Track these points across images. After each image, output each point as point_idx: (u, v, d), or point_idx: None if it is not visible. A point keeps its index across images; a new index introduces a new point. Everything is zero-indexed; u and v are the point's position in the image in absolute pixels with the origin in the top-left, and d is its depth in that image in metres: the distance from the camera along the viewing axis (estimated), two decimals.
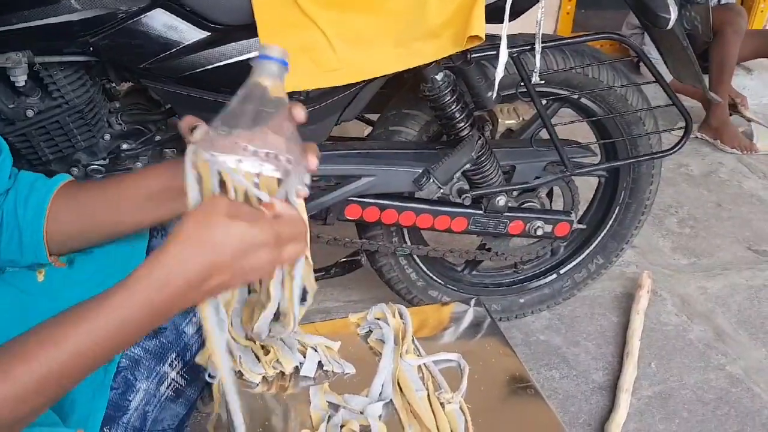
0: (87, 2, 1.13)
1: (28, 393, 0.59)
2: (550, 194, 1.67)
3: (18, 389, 0.58)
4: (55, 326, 0.61)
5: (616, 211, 1.78)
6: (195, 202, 0.68)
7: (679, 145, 1.54)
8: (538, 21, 1.32)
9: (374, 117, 1.62)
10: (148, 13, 1.17)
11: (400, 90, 1.52)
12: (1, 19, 1.11)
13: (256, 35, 1.19)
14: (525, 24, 1.37)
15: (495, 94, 1.36)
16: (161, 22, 1.18)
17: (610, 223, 1.80)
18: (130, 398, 0.81)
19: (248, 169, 0.65)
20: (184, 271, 0.62)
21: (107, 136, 1.34)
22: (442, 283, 1.73)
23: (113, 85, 1.37)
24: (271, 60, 0.68)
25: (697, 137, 3.04)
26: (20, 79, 1.17)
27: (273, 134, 0.67)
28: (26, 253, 0.81)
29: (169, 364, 0.86)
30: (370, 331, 1.08)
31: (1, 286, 0.82)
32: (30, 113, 1.22)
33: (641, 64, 2.64)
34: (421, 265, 1.68)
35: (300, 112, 0.71)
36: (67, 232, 0.81)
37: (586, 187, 1.84)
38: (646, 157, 1.63)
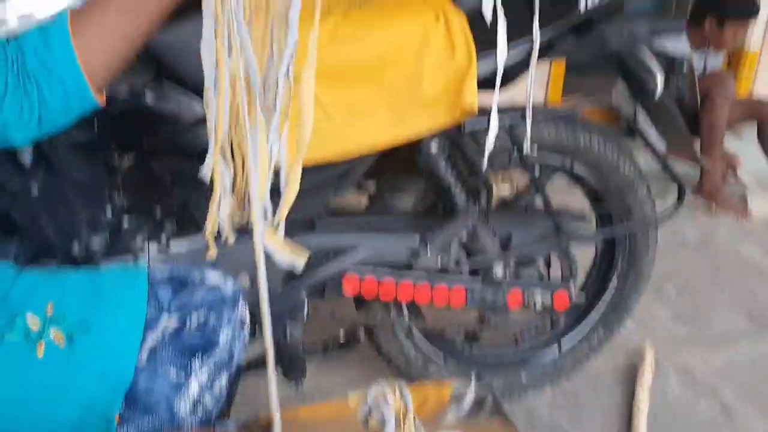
0: None
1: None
2: (548, 264, 1.65)
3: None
4: None
5: (615, 281, 1.76)
6: None
7: (674, 212, 1.54)
8: (528, 91, 1.34)
9: (371, 187, 1.62)
10: (151, 90, 1.19)
11: (396, 160, 1.52)
12: None
13: None
14: (517, 93, 1.39)
15: (486, 164, 1.37)
16: (164, 98, 1.20)
17: (610, 293, 1.78)
18: None
19: None
20: None
21: (109, 212, 1.33)
22: (442, 359, 1.68)
23: (116, 160, 1.37)
24: None
25: (691, 203, 3.04)
26: (26, 157, 1.18)
27: None
28: (72, 99, 0.79)
29: None
30: (370, 412, 1.03)
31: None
32: (34, 191, 1.22)
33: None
34: (419, 340, 1.64)
35: None
36: (100, 56, 0.79)
37: (586, 256, 1.83)
38: (641, 225, 1.63)
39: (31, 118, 0.78)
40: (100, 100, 0.82)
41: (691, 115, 2.90)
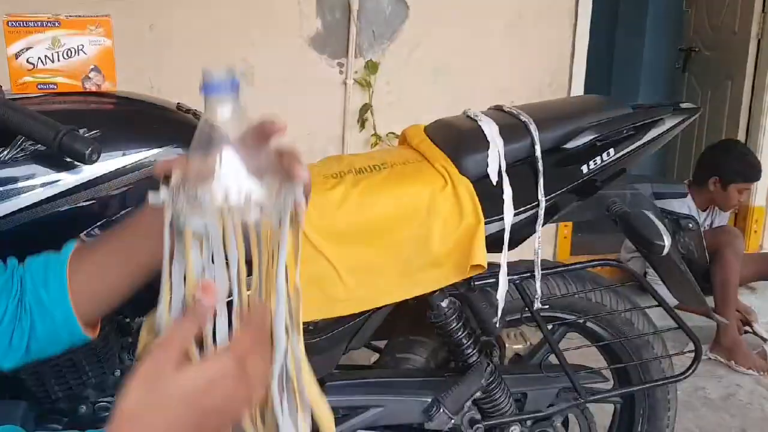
0: None
1: None
2: (565, 423, 1.61)
3: None
4: None
5: None
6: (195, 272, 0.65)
7: (692, 369, 1.52)
8: (536, 250, 1.38)
9: (381, 343, 1.62)
10: None
11: (407, 317, 1.54)
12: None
13: None
14: (525, 251, 1.43)
15: (499, 322, 1.37)
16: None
17: None
18: None
19: (225, 227, 0.62)
20: None
21: (117, 372, 1.33)
22: None
23: (127, 320, 1.39)
24: (216, 92, 0.61)
25: (710, 358, 2.99)
26: None
27: (240, 174, 0.62)
28: (61, 332, 0.80)
29: None
30: None
31: None
32: None
33: None
34: None
35: (273, 126, 0.65)
36: (93, 294, 0.80)
37: (603, 413, 1.78)
38: (659, 382, 1.60)
39: (20, 346, 0.81)
40: (91, 334, 0.84)
41: (702, 272, 2.91)
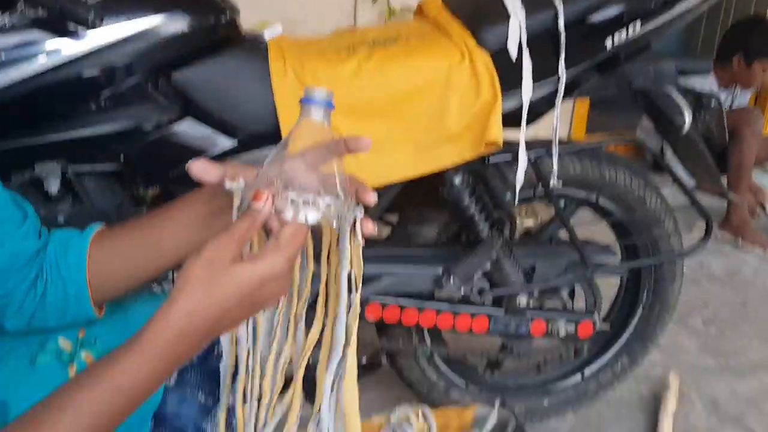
0: (119, 116, 1.18)
1: None
2: (572, 294, 1.66)
3: None
4: (67, 394, 0.62)
5: (640, 311, 1.76)
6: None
7: (701, 246, 1.54)
8: (555, 127, 1.37)
9: (394, 218, 1.65)
10: (177, 124, 1.22)
11: (420, 191, 1.55)
12: (38, 132, 1.16)
13: None
14: (540, 128, 1.42)
15: (516, 199, 1.38)
16: (190, 132, 1.23)
17: (635, 323, 1.78)
18: None
19: (288, 218, 0.66)
20: (195, 327, 0.63)
21: None
22: (464, 384, 1.70)
23: (141, 191, 1.41)
24: (313, 103, 0.69)
25: (717, 237, 3.03)
26: (53, 187, 1.21)
27: (311, 175, 0.67)
28: (71, 305, 0.82)
29: None
30: None
31: (31, 380, 0.82)
32: (60, 219, 1.25)
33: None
34: (441, 365, 1.66)
35: (365, 142, 0.72)
36: (110, 275, 0.82)
37: (609, 285, 1.83)
38: (668, 258, 1.63)
39: (28, 311, 0.82)
40: (97, 313, 0.85)
41: (719, 151, 2.88)
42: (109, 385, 0.62)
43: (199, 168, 0.73)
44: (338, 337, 0.74)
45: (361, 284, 0.73)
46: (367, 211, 0.71)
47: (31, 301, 0.81)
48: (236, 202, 0.71)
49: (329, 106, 0.70)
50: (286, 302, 0.74)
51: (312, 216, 0.66)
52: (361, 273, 0.73)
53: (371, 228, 0.71)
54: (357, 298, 0.73)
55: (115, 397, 0.62)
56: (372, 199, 0.72)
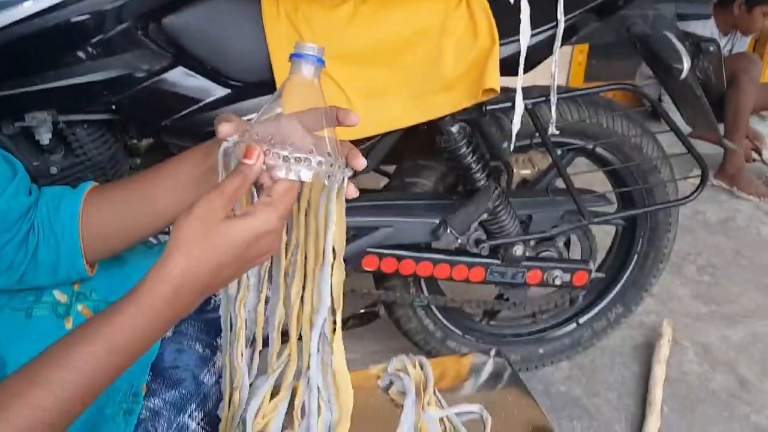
0: (109, 63, 1.16)
1: (50, 416, 0.59)
2: (567, 243, 1.67)
3: (37, 414, 0.58)
4: (64, 350, 0.62)
5: (635, 260, 1.78)
6: None
7: (696, 193, 1.53)
8: (553, 73, 1.34)
9: (390, 168, 1.64)
10: (169, 72, 1.20)
11: (416, 141, 1.54)
12: (26, 80, 1.13)
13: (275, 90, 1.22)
14: (537, 75, 1.40)
15: (512, 146, 1.37)
16: (182, 80, 1.21)
17: (629, 271, 1.79)
18: None
19: (281, 175, 0.66)
20: (191, 283, 0.63)
21: None
22: (460, 333, 1.72)
23: (135, 141, 1.39)
24: (303, 58, 0.68)
25: (713, 184, 3.03)
26: (44, 137, 1.19)
27: (303, 134, 0.67)
28: (63, 262, 0.81)
29: (189, 415, 0.86)
30: (391, 383, 1.07)
31: (28, 333, 0.82)
32: (53, 170, 1.24)
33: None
34: (438, 315, 1.67)
35: (353, 118, 0.71)
36: (104, 234, 0.81)
37: (604, 235, 1.84)
38: (663, 206, 1.63)
39: (19, 268, 0.80)
40: (89, 271, 0.83)
41: (717, 98, 2.86)
42: (106, 341, 0.62)
43: (228, 130, 0.70)
44: (323, 296, 0.75)
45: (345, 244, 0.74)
46: (357, 173, 0.72)
47: (22, 258, 0.80)
48: (221, 160, 0.70)
49: (320, 62, 0.69)
50: (276, 259, 0.74)
51: (305, 173, 0.66)
52: (345, 232, 0.73)
53: (353, 192, 0.72)
54: (340, 257, 0.74)
55: (112, 353, 0.62)
56: (361, 163, 0.71)
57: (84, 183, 0.84)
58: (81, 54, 1.13)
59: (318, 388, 0.78)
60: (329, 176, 0.68)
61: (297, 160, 0.65)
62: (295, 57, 0.68)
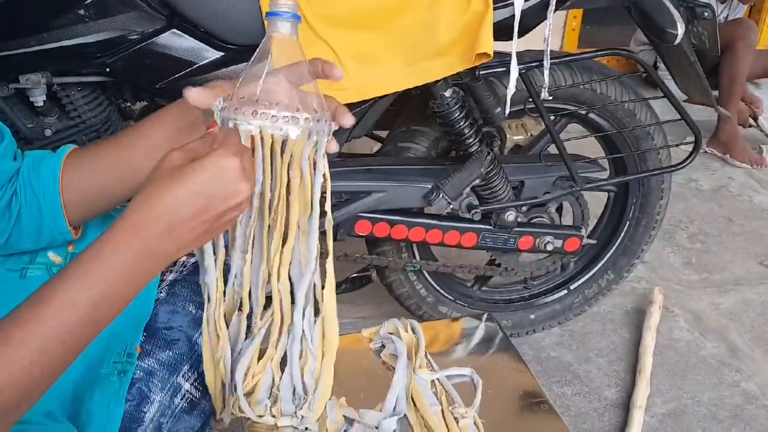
0: (103, 24, 1.15)
1: (29, 357, 0.58)
2: (559, 209, 1.67)
3: (17, 353, 0.57)
4: (55, 288, 0.61)
5: (627, 226, 1.78)
6: None
7: (689, 160, 1.54)
8: (546, 38, 1.34)
9: (383, 133, 1.64)
10: (162, 35, 1.19)
11: (409, 106, 1.53)
12: (20, 42, 1.13)
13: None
14: (531, 41, 1.39)
15: (506, 111, 1.37)
16: (176, 43, 1.20)
17: (621, 238, 1.80)
18: (145, 410, 0.81)
19: (271, 132, 0.67)
20: (182, 220, 0.64)
21: None
22: (452, 298, 1.73)
23: (129, 104, 1.39)
24: (279, 15, 0.70)
25: (706, 152, 3.03)
26: (39, 99, 1.20)
27: (289, 91, 0.68)
28: (46, 225, 0.81)
29: (183, 376, 0.87)
30: (383, 346, 1.08)
31: (22, 292, 0.82)
32: (48, 132, 1.24)
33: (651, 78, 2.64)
34: (430, 280, 1.68)
35: (336, 72, 0.72)
36: (85, 194, 0.82)
37: (596, 202, 1.85)
38: (656, 172, 1.64)
39: (3, 232, 0.80)
40: (73, 234, 0.83)
41: (711, 65, 2.85)
42: (98, 277, 0.61)
43: (196, 95, 0.72)
44: (311, 248, 0.76)
45: (330, 198, 0.76)
46: (350, 135, 0.74)
47: (6, 223, 0.80)
48: (217, 119, 0.71)
49: (296, 18, 0.70)
50: (258, 216, 0.74)
51: (293, 131, 0.67)
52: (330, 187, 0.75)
53: (334, 147, 0.73)
54: (328, 207, 0.76)
55: (103, 288, 0.62)
56: (349, 120, 0.72)
57: (64, 146, 0.84)
58: (75, 15, 1.13)
59: (303, 334, 0.80)
60: (318, 132, 0.69)
61: (285, 119, 0.67)
62: (270, 15, 0.70)
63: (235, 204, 0.66)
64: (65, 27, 1.13)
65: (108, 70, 1.20)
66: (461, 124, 1.40)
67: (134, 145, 0.81)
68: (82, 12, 1.13)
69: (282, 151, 0.70)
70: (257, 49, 0.70)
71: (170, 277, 0.93)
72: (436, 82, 1.33)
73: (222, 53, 1.23)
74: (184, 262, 0.94)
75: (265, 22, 0.68)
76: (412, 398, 0.96)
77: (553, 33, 1.33)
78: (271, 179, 0.71)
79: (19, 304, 0.60)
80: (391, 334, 1.09)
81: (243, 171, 0.65)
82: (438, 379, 1.01)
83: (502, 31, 1.28)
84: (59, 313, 0.60)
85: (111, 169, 0.81)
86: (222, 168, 0.64)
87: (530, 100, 1.42)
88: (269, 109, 0.67)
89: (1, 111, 1.20)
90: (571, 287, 1.84)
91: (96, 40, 1.15)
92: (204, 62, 1.22)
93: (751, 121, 3.13)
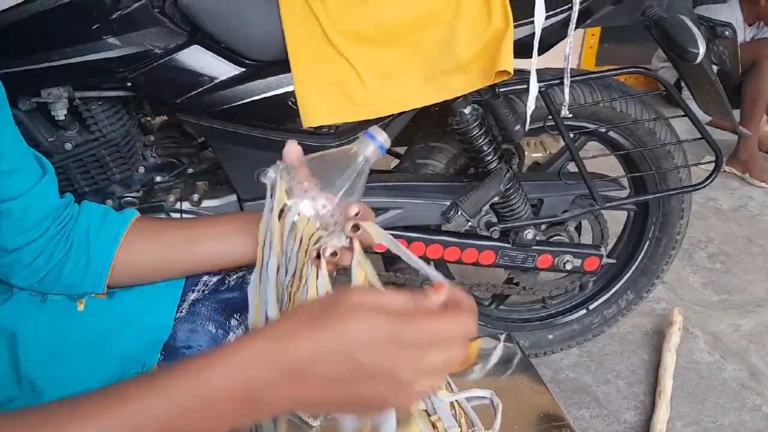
0: (125, 40, 1.16)
1: None
2: (578, 228, 1.66)
3: None
4: (108, 397, 0.51)
5: (646, 246, 1.76)
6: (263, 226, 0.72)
7: (710, 180, 1.52)
8: (567, 55, 1.33)
9: (402, 150, 1.63)
10: (184, 50, 1.20)
11: (428, 123, 1.53)
12: (43, 56, 1.14)
13: (289, 70, 1.22)
14: (550, 59, 1.38)
15: (526, 128, 1.36)
16: (197, 58, 1.21)
17: (640, 257, 1.78)
18: None
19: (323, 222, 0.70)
20: (313, 360, 0.50)
21: (141, 169, 1.37)
22: None
23: (148, 119, 1.40)
24: (374, 141, 0.74)
25: (725, 171, 3.01)
26: (60, 113, 1.20)
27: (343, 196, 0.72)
28: (87, 280, 0.81)
29: None
30: None
31: (41, 314, 0.82)
32: (68, 146, 1.25)
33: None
34: None
35: (368, 229, 0.71)
36: (136, 266, 0.81)
37: (615, 221, 1.83)
38: (676, 191, 1.62)
39: (39, 272, 0.79)
40: (104, 292, 0.83)
41: (734, 86, 2.83)
42: (166, 400, 0.50)
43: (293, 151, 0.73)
44: None
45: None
46: None
47: (43, 264, 0.79)
48: (267, 198, 0.72)
49: (382, 149, 0.75)
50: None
51: (307, 209, 0.70)
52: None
53: (345, 260, 0.70)
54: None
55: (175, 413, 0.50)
56: (369, 243, 0.72)
57: (130, 211, 0.84)
58: (98, 31, 1.14)
59: None
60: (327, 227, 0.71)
61: (314, 198, 0.70)
62: (368, 136, 0.74)
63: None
64: (89, 42, 1.14)
65: (129, 84, 1.20)
66: (480, 141, 1.40)
67: (203, 229, 0.82)
68: (105, 27, 1.14)
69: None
70: (344, 147, 0.74)
71: (192, 296, 0.92)
72: (456, 98, 1.33)
73: (243, 69, 1.24)
74: (206, 281, 0.94)
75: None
76: (431, 420, 0.94)
77: (572, 51, 1.33)
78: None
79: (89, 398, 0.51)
80: None
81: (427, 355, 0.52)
82: (457, 400, 0.99)
83: (522, 49, 1.28)
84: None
85: (174, 246, 0.81)
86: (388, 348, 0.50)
87: (550, 117, 1.41)
88: (315, 193, 0.70)
89: (22, 124, 1.21)
90: (590, 307, 1.82)
91: (118, 55, 1.16)
92: (225, 78, 1.23)
93: None
